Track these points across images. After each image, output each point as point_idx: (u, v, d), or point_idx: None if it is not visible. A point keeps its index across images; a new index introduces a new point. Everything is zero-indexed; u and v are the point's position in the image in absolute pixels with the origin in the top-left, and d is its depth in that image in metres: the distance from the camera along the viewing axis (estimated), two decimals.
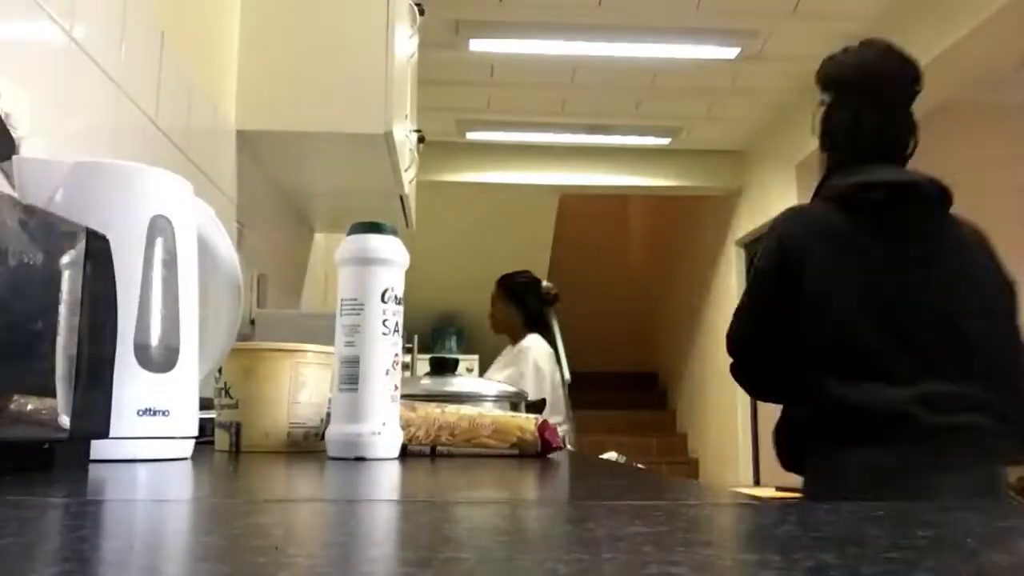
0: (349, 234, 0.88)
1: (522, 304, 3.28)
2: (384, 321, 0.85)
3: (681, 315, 7.78)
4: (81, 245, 0.62)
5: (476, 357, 7.12)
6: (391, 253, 0.87)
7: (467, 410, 1.00)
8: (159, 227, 0.76)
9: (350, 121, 2.02)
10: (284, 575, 0.26)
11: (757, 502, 0.51)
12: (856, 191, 1.57)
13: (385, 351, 0.85)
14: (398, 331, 0.87)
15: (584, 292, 9.44)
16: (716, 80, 5.21)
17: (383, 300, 0.86)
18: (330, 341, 0.89)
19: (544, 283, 3.35)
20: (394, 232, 0.88)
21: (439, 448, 0.96)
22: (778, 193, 5.84)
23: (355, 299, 0.86)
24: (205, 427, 0.92)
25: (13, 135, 0.93)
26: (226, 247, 0.90)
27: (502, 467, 0.85)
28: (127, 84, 1.36)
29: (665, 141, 6.18)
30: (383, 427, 0.84)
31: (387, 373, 0.85)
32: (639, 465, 1.96)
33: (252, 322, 2.10)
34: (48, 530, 0.37)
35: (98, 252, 0.64)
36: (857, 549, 0.33)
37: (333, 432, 0.85)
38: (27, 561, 0.28)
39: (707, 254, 7.06)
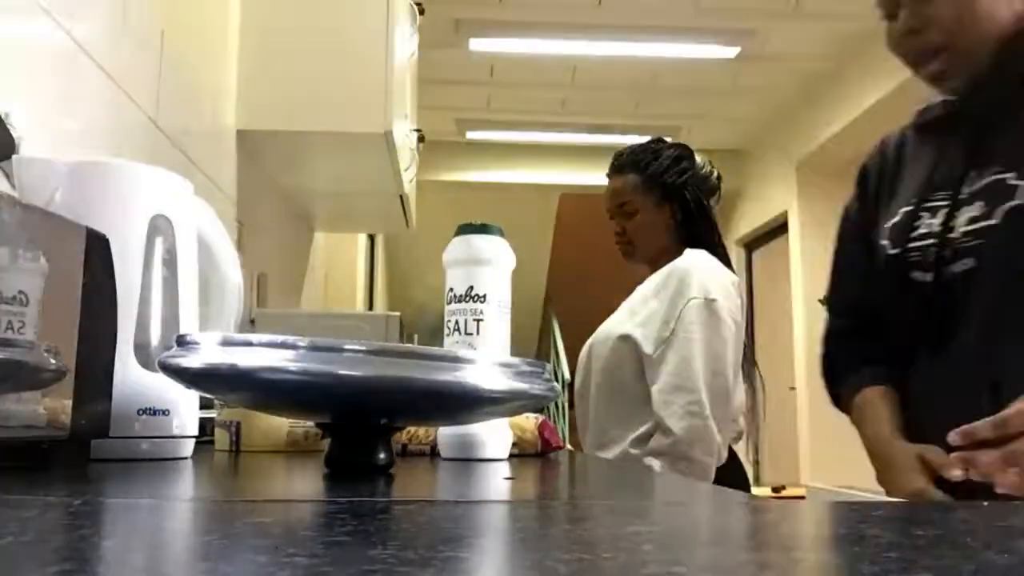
0: (457, 235, 0.90)
1: (682, 205, 1.77)
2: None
3: None
4: (81, 245, 0.62)
5: None
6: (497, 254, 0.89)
7: None
8: (159, 227, 0.76)
9: (350, 121, 2.02)
10: (284, 575, 0.26)
11: (757, 502, 0.52)
12: None
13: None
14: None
15: (584, 292, 9.44)
16: (716, 80, 5.21)
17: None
18: None
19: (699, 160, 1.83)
20: (500, 233, 0.90)
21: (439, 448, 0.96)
22: (778, 192, 5.84)
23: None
24: (205, 427, 0.92)
25: (13, 135, 0.93)
26: (226, 247, 0.90)
27: (502, 467, 0.85)
28: (127, 84, 1.36)
29: None
30: (488, 428, 0.87)
31: None
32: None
33: (252, 322, 2.10)
34: (48, 530, 0.37)
35: (98, 252, 0.64)
36: (857, 549, 0.33)
37: (445, 433, 0.89)
38: (27, 561, 0.28)
39: None
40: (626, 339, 1.64)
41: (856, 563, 0.30)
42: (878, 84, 4.48)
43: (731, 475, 1.65)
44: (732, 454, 1.74)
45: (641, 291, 1.74)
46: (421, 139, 2.75)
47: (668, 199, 1.76)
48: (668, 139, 1.85)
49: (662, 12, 4.38)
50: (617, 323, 1.70)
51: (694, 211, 1.76)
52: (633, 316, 1.68)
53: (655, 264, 1.75)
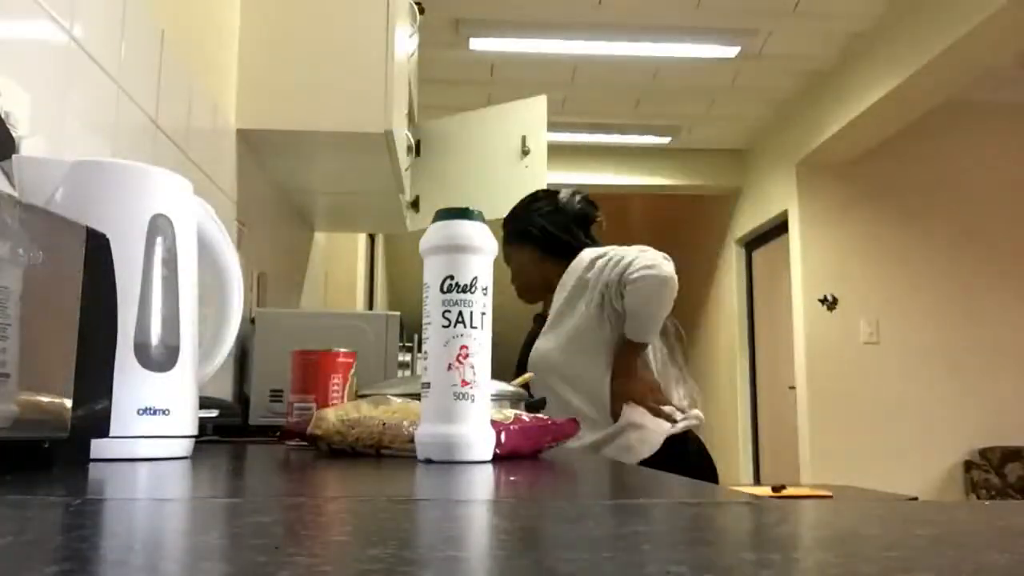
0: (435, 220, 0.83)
1: (540, 237, 2.08)
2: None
3: (681, 314, 7.76)
4: (81, 245, 0.62)
5: None
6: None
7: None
8: (159, 227, 0.76)
9: (350, 120, 2.02)
10: (284, 574, 0.26)
11: (757, 502, 0.51)
12: None
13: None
14: (462, 322, 0.81)
15: None
16: (716, 79, 5.20)
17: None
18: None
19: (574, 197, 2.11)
20: (482, 218, 0.84)
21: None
22: (778, 192, 5.84)
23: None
24: (205, 427, 0.92)
25: (13, 135, 0.93)
26: (226, 247, 0.90)
27: (501, 467, 0.85)
28: (127, 84, 1.36)
29: (665, 140, 6.18)
30: (472, 428, 0.81)
31: (449, 368, 0.80)
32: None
33: (252, 322, 2.10)
34: (48, 530, 0.37)
35: (98, 252, 0.64)
36: (857, 549, 0.33)
37: (424, 433, 0.81)
38: (27, 561, 0.28)
39: (707, 253, 7.05)
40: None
41: (856, 563, 0.30)
42: (878, 84, 4.48)
43: (699, 464, 1.90)
44: (700, 445, 1.97)
45: (555, 306, 1.96)
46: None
47: (524, 240, 2.05)
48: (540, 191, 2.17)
49: (662, 11, 4.38)
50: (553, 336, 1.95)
51: (553, 236, 2.02)
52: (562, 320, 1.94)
53: (548, 295, 1.99)
